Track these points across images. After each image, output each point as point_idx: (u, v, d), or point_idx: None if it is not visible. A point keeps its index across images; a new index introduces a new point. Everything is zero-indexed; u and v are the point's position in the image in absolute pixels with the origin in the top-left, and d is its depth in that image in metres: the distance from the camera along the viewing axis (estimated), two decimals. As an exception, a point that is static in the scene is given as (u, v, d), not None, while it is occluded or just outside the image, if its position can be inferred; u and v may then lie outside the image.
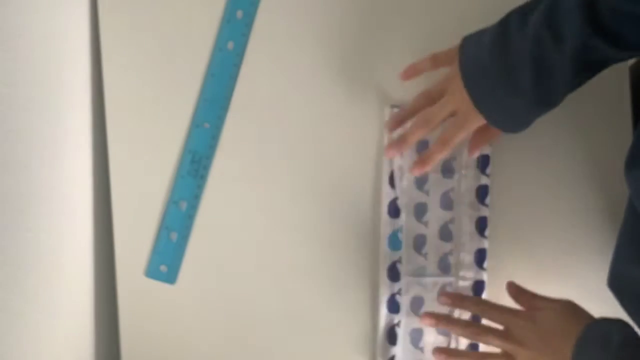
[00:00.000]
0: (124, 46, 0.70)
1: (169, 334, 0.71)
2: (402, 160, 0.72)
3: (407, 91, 0.70)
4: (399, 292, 0.72)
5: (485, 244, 0.72)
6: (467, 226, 0.73)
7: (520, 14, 0.63)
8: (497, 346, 0.66)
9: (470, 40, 0.66)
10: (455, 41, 0.67)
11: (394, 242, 0.72)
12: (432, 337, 0.72)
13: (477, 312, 0.69)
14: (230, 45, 0.71)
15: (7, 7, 0.50)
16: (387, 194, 0.72)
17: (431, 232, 0.73)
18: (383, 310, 0.72)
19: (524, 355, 0.64)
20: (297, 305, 0.72)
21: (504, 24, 0.63)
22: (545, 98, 0.63)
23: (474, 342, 0.70)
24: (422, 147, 0.71)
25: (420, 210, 0.72)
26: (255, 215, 0.72)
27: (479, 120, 0.66)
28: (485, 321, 0.69)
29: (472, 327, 0.69)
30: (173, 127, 0.71)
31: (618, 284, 0.61)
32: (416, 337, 0.72)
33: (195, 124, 0.71)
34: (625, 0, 0.57)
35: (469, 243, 0.73)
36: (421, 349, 0.72)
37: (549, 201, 0.73)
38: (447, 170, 0.73)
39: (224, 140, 0.71)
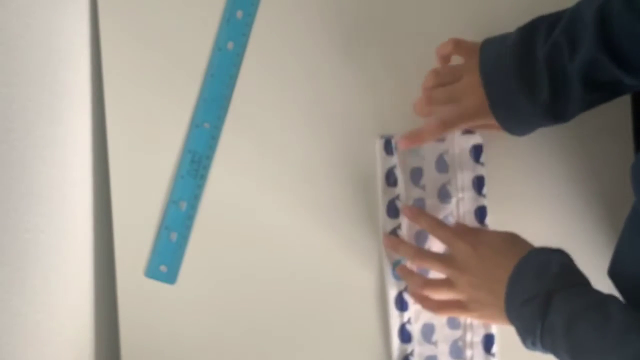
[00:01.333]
0: (124, 46, 0.70)
1: (169, 334, 0.71)
2: (399, 190, 0.71)
3: (408, 95, 0.70)
4: (408, 322, 0.71)
5: None
6: None
7: (546, 21, 0.63)
8: (439, 271, 0.68)
9: (492, 41, 0.65)
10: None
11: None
12: None
13: (426, 227, 0.70)
14: (230, 45, 0.71)
15: (7, 7, 0.50)
16: (386, 224, 0.71)
17: None
18: (395, 341, 0.71)
19: (462, 280, 0.65)
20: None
21: (529, 28, 0.63)
22: (557, 109, 0.63)
23: (419, 266, 0.70)
24: (418, 173, 0.71)
25: (421, 238, 0.72)
26: (255, 216, 0.71)
27: (485, 118, 0.65)
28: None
29: (420, 251, 0.70)
30: (173, 127, 0.71)
31: (620, 271, 0.61)
32: None
33: (195, 124, 0.71)
34: (639, 22, 0.57)
35: None
36: None
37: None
38: (444, 195, 0.72)
39: (224, 140, 0.71)
